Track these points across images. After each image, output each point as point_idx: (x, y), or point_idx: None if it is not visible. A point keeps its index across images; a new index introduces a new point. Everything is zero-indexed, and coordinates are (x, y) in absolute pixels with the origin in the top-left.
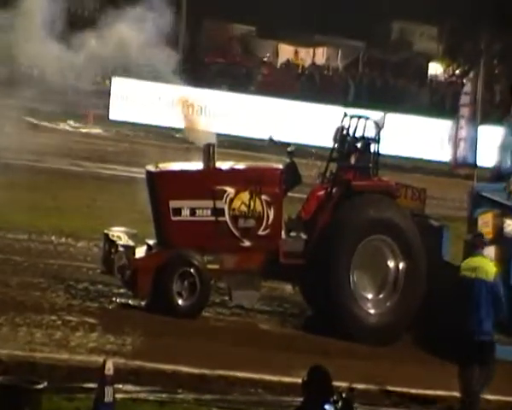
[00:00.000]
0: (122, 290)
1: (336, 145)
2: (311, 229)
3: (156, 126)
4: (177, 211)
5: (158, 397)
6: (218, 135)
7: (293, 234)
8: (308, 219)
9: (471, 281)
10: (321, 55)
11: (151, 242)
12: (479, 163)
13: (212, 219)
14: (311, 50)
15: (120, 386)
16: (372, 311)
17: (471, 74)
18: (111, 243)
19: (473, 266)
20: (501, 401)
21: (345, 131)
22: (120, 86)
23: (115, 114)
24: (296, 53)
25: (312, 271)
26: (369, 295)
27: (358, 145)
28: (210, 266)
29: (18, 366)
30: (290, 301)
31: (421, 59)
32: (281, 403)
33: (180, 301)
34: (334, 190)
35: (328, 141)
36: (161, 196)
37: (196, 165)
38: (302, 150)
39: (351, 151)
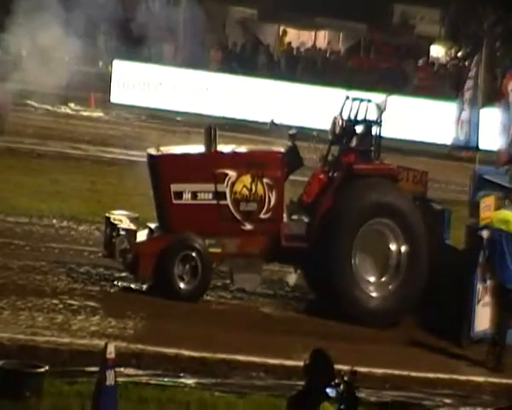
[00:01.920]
0: (124, 274)
1: (333, 133)
2: (313, 212)
3: (157, 110)
4: (179, 194)
5: (159, 381)
6: (220, 118)
7: (294, 217)
8: (310, 202)
9: (501, 232)
10: (322, 38)
11: (153, 225)
12: (480, 146)
13: (214, 202)
14: (313, 33)
15: (122, 370)
16: (374, 294)
17: (475, 58)
18: (112, 226)
19: (504, 219)
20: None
21: (346, 115)
22: (121, 69)
23: (116, 97)
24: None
25: (314, 254)
26: (371, 279)
27: (360, 128)
28: (211, 250)
29: (19, 350)
30: (292, 284)
31: (423, 42)
32: (282, 387)
33: (182, 285)
34: (335, 174)
35: (330, 124)
36: (163, 180)
37: (198, 148)
38: (304, 133)
39: (352, 134)
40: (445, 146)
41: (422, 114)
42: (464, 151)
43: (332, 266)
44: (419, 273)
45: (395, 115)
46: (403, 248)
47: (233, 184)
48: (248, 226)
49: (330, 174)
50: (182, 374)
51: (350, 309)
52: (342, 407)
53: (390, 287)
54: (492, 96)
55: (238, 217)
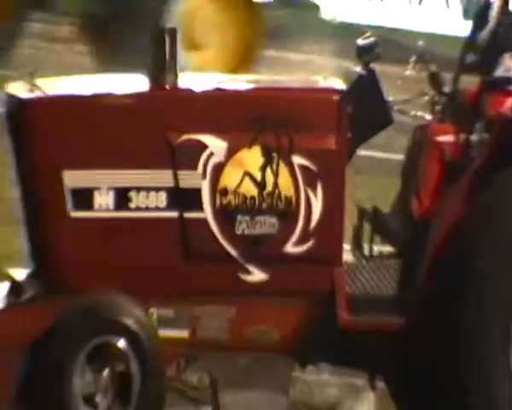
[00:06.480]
0: None
1: (472, 37)
2: (422, 236)
3: None
4: (84, 196)
5: None
6: None
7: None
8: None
9: None
10: None
11: (20, 273)
12: None
13: (172, 215)
14: None
15: None
16: None
17: None
18: None
19: None
20: None
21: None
22: None
23: None
24: None
25: (424, 342)
26: None
27: None
28: (165, 334)
29: None
30: None
31: None
32: None
33: None
34: (473, 141)
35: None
36: (44, 160)
37: (130, 79)
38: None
39: (505, 47)
40: None
41: None
42: None
43: (468, 367)
44: None
45: None
46: None
47: (217, 168)
48: (258, 275)
49: (461, 143)
50: None
51: None
52: None
53: None
54: None
55: (231, 252)
